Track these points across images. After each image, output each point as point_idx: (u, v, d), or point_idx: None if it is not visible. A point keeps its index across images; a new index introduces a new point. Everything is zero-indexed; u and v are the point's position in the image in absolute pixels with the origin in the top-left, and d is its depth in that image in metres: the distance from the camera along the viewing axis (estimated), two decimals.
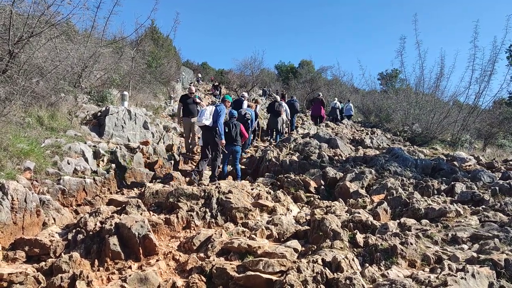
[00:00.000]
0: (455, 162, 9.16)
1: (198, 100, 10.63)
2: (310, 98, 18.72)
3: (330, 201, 6.33)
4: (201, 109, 8.30)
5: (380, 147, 12.02)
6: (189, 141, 10.27)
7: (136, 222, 4.62)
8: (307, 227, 5.22)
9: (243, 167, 9.27)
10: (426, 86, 17.12)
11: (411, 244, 4.16)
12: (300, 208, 6.62)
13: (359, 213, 5.17)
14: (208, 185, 6.36)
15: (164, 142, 9.50)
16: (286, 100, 16.23)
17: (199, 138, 9.57)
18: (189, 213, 5.42)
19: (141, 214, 5.35)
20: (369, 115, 24.20)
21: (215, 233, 4.79)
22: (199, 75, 41.73)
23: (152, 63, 17.38)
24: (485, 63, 14.24)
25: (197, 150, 10.65)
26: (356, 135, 14.62)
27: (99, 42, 10.65)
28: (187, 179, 8.23)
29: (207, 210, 5.54)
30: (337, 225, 4.85)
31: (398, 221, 5.05)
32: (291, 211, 6.23)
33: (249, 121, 10.66)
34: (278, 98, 14.74)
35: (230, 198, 5.69)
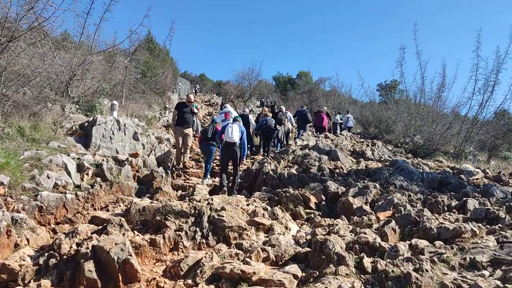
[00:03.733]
0: (462, 176, 8.69)
1: (195, 110, 10.14)
2: (306, 109, 18.36)
3: (332, 219, 5.83)
4: (227, 125, 8.28)
5: (382, 159, 11.55)
6: (181, 152, 9.68)
7: (116, 244, 4.11)
8: (307, 249, 4.72)
9: (239, 180, 8.77)
10: (427, 96, 16.74)
11: (427, 271, 3.65)
12: (300, 226, 6.12)
13: (365, 233, 4.67)
14: (199, 201, 5.86)
15: (155, 154, 8.99)
16: (277, 111, 16.09)
17: (191, 150, 9.26)
18: (178, 233, 4.90)
19: (123, 234, 4.83)
20: (369, 127, 23.80)
21: (205, 256, 4.28)
22: (197, 86, 41.48)
23: (146, 73, 16.98)
24: (488, 73, 13.86)
25: (189, 164, 10.14)
26: (357, 146, 14.16)
27: (89, 49, 10.22)
28: (179, 193, 7.72)
29: (198, 229, 5.03)
30: (341, 248, 4.35)
31: (408, 242, 4.55)
32: (289, 229, 5.72)
33: (275, 132, 12.16)
34: (283, 108, 14.73)
35: (223, 216, 5.18)
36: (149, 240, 4.69)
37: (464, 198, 6.25)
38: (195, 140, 12.04)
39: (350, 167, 9.61)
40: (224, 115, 10.84)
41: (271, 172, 8.22)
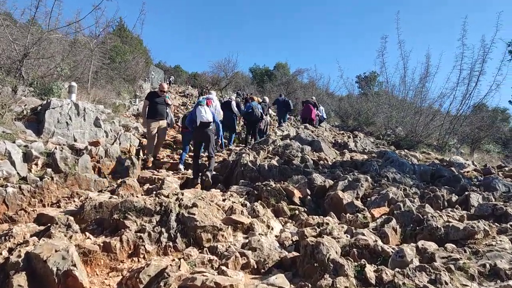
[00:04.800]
0: (453, 168, 8.11)
1: (168, 101, 9.11)
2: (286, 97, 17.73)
3: (321, 217, 5.07)
4: (197, 108, 7.89)
5: (366, 151, 10.92)
6: (153, 145, 8.66)
7: (56, 251, 3.26)
8: (295, 253, 3.95)
9: (214, 172, 7.94)
10: (409, 87, 16.22)
11: (446, 283, 2.95)
12: (283, 224, 5.34)
13: (363, 234, 3.94)
14: (167, 196, 4.99)
15: (120, 143, 8.01)
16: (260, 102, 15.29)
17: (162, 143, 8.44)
18: (139, 234, 4.04)
19: (70, 237, 3.93)
20: (347, 119, 23.30)
21: (171, 265, 3.44)
22: (172, 77, 40.18)
23: (115, 58, 15.80)
24: (473, 63, 13.42)
25: (161, 156, 9.23)
26: (338, 138, 13.53)
27: (47, 27, 9.10)
28: (146, 187, 6.83)
29: (163, 230, 4.18)
30: (337, 253, 3.61)
31: (414, 245, 3.85)
32: (272, 229, 4.93)
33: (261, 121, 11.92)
34: (267, 99, 14.28)
35: (194, 214, 4.35)
36: (102, 244, 3.81)
37: (466, 193, 5.62)
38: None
39: (334, 158, 8.91)
40: (206, 101, 9.94)
41: (249, 164, 7.42)
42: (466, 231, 4.02)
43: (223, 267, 3.56)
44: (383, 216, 4.80)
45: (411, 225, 4.42)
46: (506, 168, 9.46)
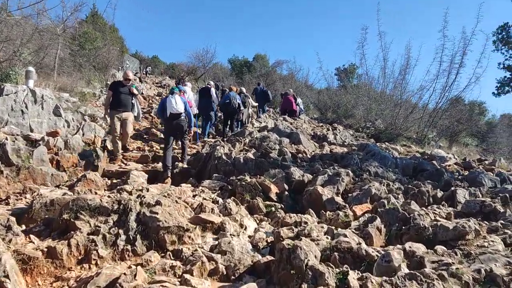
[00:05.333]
0: (434, 162, 7.84)
1: (134, 91, 8.17)
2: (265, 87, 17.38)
3: (299, 215, 4.65)
4: (167, 98, 7.58)
5: (346, 143, 10.59)
6: (117, 139, 7.77)
7: None
8: (269, 258, 3.52)
9: (185, 165, 7.43)
10: (389, 79, 15.98)
11: None
12: (258, 222, 4.90)
13: (345, 235, 3.53)
14: (130, 193, 4.48)
15: (83, 134, 7.38)
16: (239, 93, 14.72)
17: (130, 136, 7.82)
18: (91, 237, 3.53)
19: (10, 241, 3.39)
20: (326, 111, 23.03)
21: (125, 273, 2.95)
22: (149, 67, 39.17)
23: (85, 44, 14.98)
24: (454, 55, 13.23)
25: (131, 148, 8.64)
26: (317, 130, 13.17)
27: (3, 6, 8.35)
28: (110, 182, 6.29)
29: (121, 232, 3.68)
30: (316, 257, 3.19)
31: (401, 247, 3.47)
32: (246, 228, 4.48)
33: (240, 113, 11.37)
34: (244, 89, 13.57)
35: (157, 213, 3.85)
36: (46, 250, 3.29)
37: (452, 188, 5.30)
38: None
39: (313, 151, 8.53)
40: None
41: (224, 157, 6.94)
42: (457, 232, 3.67)
43: (187, 275, 3.11)
44: (366, 215, 4.41)
45: (397, 224, 4.05)
46: (486, 162, 9.29)
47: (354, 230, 3.89)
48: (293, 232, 3.82)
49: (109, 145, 7.61)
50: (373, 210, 4.50)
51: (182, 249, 3.63)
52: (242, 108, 11.15)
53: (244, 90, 13.53)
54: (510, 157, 11.60)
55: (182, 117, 7.55)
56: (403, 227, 3.96)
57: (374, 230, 3.81)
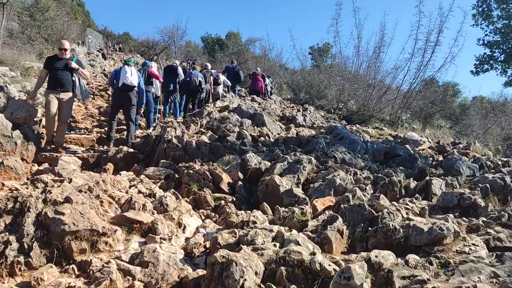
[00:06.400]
0: (407, 146, 7.26)
1: (73, 65, 6.49)
2: (238, 66, 16.60)
3: (249, 212, 3.93)
4: (122, 68, 7.18)
5: (315, 125, 9.92)
6: (53, 126, 6.55)
7: None
8: (200, 272, 2.79)
9: (131, 150, 6.57)
10: (363, 58, 15.31)
11: None
12: (203, 219, 4.16)
13: (297, 243, 2.83)
14: (35, 186, 3.64)
15: (12, 113, 6.35)
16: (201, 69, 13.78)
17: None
18: None
19: None
20: (299, 92, 22.31)
21: None
22: (120, 44, 37.49)
23: (35, 15, 13.62)
24: (430, 32, 12.63)
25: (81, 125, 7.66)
26: (287, 111, 12.43)
27: None
28: (37, 169, 5.39)
29: (13, 238, 2.86)
30: (257, 274, 2.48)
31: (365, 255, 2.80)
32: (184, 228, 3.72)
33: (202, 91, 10.56)
34: (209, 65, 12.63)
35: (63, 214, 3.03)
36: None
37: (427, 178, 4.68)
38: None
39: (278, 134, 7.80)
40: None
41: (174, 140, 6.11)
42: (432, 235, 3.02)
43: None
44: (327, 211, 3.73)
45: (362, 224, 3.37)
46: (461, 145, 8.81)
47: (310, 233, 3.19)
48: (235, 237, 3.08)
49: (45, 133, 6.61)
50: (335, 206, 3.81)
51: (91, 260, 2.84)
52: (203, 86, 10.29)
53: (209, 66, 12.60)
54: (484, 140, 11.19)
55: (134, 91, 7.20)
56: (370, 228, 3.28)
57: (334, 233, 3.11)
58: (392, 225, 3.18)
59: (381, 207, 3.60)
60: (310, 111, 12.94)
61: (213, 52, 35.15)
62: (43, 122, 6.79)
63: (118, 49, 36.05)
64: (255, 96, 14.27)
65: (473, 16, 11.00)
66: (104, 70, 18.36)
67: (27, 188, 3.69)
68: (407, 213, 3.65)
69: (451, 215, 3.61)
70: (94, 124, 9.07)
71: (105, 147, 6.94)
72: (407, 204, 3.95)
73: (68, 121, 6.57)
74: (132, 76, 7.07)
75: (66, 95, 6.51)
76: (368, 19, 24.67)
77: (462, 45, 14.94)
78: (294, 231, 3.25)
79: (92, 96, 12.04)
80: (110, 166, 6.03)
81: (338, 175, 4.51)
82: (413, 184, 4.67)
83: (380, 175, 4.89)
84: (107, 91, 12.81)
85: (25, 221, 2.96)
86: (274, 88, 20.44)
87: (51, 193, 3.28)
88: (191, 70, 11.20)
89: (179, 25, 30.58)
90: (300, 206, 3.91)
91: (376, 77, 13.96)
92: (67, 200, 3.23)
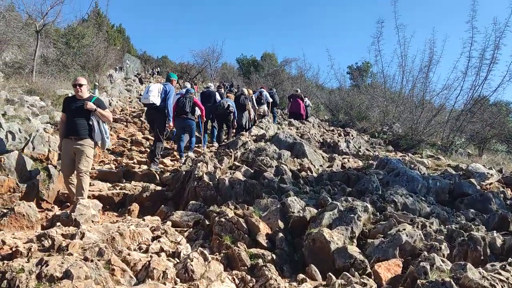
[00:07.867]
0: (472, 180, 6.22)
1: (90, 106, 5.05)
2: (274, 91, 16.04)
3: (294, 284, 3.13)
4: (147, 87, 7.29)
5: (360, 153, 9.01)
6: (69, 181, 5.30)
7: None
8: None
9: (158, 188, 5.96)
10: (408, 77, 14.25)
11: None
12: (237, 283, 3.38)
13: None
14: (53, 238, 3.02)
15: (33, 148, 5.93)
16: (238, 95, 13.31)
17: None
18: None
19: None
20: (337, 113, 21.37)
21: None
22: (158, 68, 38.07)
23: (71, 42, 13.66)
24: (484, 49, 11.51)
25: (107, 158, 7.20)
26: (327, 136, 11.58)
27: None
28: (53, 215, 4.82)
29: None
30: None
31: None
32: None
33: (231, 114, 10.12)
34: (245, 91, 12.18)
35: None
36: None
37: None
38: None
39: (321, 166, 6.98)
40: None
41: (205, 178, 5.43)
42: None
43: None
44: (394, 282, 2.87)
45: None
46: None
47: None
48: None
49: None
50: (407, 278, 2.94)
51: None
52: (232, 109, 9.95)
53: (245, 91, 12.08)
54: None
55: (158, 108, 7.12)
56: None
57: None
58: None
59: (470, 282, 2.70)
60: (352, 135, 12.05)
61: (248, 74, 34.96)
62: None
63: (156, 73, 36.59)
64: (292, 120, 13.55)
65: None
66: (140, 95, 18.25)
67: (29, 249, 3.09)
68: None
69: None
70: (125, 154, 8.62)
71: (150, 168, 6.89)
72: (499, 274, 3.02)
73: (89, 172, 5.31)
74: (151, 92, 6.99)
75: (81, 143, 5.14)
76: (414, 36, 23.37)
77: None
78: None
79: (125, 123, 11.74)
80: (135, 207, 5.43)
81: (404, 229, 3.63)
82: (499, 240, 3.71)
83: (454, 227, 3.95)
84: (141, 117, 12.48)
85: None
86: (312, 109, 19.70)
87: (47, 265, 2.63)
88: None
89: (215, 48, 30.76)
90: (359, 271, 3.07)
91: (425, 98, 12.85)
92: (67, 274, 2.56)
